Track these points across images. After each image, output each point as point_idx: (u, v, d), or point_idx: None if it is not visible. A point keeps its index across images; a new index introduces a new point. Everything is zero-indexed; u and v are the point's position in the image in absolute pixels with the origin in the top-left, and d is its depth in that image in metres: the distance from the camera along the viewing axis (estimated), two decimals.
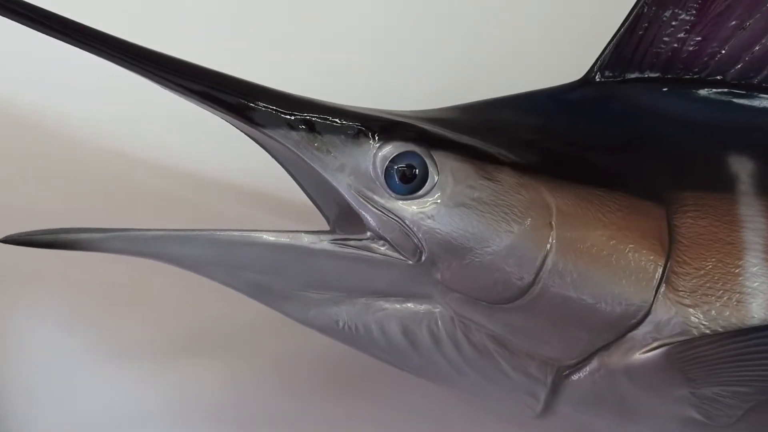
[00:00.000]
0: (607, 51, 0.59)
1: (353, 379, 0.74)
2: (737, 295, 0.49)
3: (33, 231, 0.52)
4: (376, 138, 0.51)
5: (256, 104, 0.50)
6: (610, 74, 0.60)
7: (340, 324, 0.54)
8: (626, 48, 0.59)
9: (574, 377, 0.52)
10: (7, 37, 0.70)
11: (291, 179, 0.57)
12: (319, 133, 0.50)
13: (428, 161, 0.50)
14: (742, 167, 0.54)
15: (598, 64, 0.60)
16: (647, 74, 0.59)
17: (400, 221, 0.50)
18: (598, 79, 0.60)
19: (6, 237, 0.53)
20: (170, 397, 0.77)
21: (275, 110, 0.50)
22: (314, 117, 0.51)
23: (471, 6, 0.83)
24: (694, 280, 0.50)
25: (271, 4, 0.83)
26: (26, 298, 0.78)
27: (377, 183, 0.50)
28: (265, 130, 0.50)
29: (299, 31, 0.82)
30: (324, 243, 0.51)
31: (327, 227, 0.56)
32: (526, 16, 0.82)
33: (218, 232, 0.51)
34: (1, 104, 0.79)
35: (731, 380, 0.49)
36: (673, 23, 0.57)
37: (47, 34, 0.47)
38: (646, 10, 0.57)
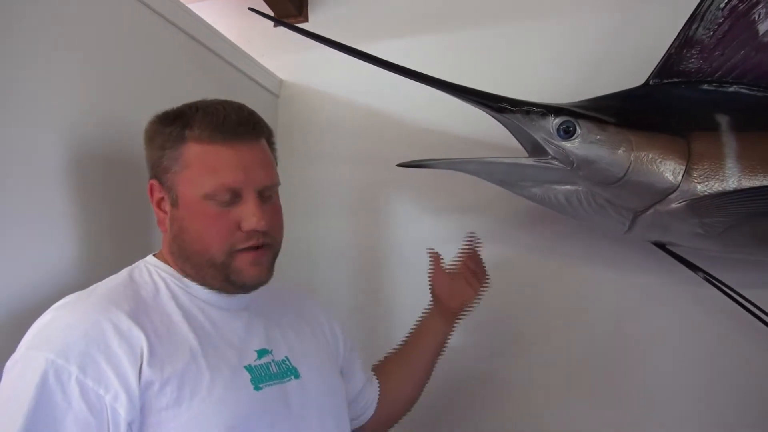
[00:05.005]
0: (657, 66, 1.23)
1: None
2: None
3: (410, 161, 1.25)
4: (553, 116, 1.17)
5: (503, 105, 1.17)
6: (657, 80, 1.24)
7: (539, 195, 1.21)
8: (668, 63, 1.22)
9: (643, 216, 1.18)
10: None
11: (510, 134, 1.25)
12: (529, 114, 1.16)
13: (576, 123, 1.15)
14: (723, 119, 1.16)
15: (651, 74, 1.24)
16: (680, 79, 1.23)
17: (565, 150, 1.15)
18: (651, 83, 1.24)
19: (400, 163, 1.25)
20: None
21: (511, 107, 1.17)
22: (528, 108, 1.17)
23: None
24: None
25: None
26: None
27: (554, 134, 1.16)
28: (506, 115, 1.17)
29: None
30: (531, 161, 1.19)
31: (526, 155, 1.24)
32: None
33: (484, 159, 1.22)
34: (366, 109, 1.60)
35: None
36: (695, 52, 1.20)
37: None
38: (678, 43, 1.20)
